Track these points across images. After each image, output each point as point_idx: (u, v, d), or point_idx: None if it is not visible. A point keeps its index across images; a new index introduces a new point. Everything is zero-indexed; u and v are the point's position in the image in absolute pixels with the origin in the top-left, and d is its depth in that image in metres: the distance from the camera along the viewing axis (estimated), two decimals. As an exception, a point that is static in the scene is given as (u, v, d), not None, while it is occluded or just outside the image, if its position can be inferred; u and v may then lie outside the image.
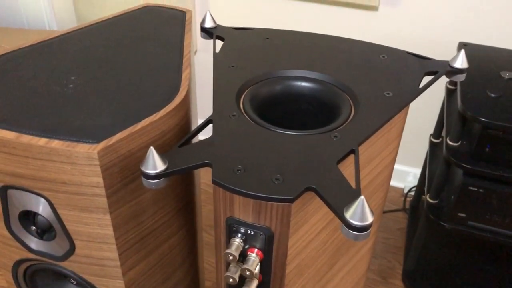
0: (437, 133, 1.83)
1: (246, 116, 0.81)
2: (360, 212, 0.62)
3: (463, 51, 0.95)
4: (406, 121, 1.92)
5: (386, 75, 0.91)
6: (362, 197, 0.63)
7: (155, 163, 0.70)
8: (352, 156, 0.77)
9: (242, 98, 0.86)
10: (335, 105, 0.88)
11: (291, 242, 0.73)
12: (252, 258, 0.73)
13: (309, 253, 0.81)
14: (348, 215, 0.63)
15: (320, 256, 0.85)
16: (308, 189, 0.68)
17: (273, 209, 0.69)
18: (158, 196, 0.84)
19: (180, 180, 0.89)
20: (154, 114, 0.77)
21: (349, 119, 0.82)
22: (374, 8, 1.77)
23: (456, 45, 1.73)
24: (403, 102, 0.85)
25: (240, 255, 0.74)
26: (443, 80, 1.80)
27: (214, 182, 0.70)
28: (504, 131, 1.32)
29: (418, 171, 2.09)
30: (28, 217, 0.83)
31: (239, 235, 0.73)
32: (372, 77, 0.91)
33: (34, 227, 0.82)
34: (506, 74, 1.47)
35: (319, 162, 0.72)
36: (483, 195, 1.47)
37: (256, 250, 0.74)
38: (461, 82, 1.42)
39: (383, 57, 0.97)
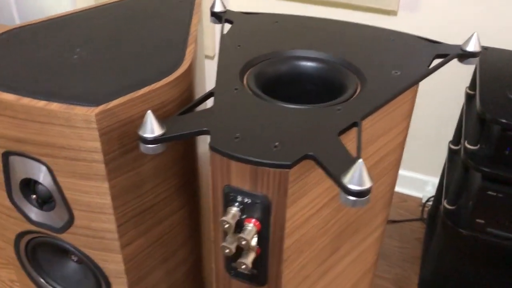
0: (456, 140, 1.79)
1: (249, 91, 0.80)
2: (358, 176, 0.61)
3: (475, 34, 0.92)
4: (425, 129, 1.89)
5: (394, 56, 0.90)
6: (360, 160, 0.61)
7: (152, 127, 0.69)
8: (354, 131, 0.75)
9: (246, 75, 0.86)
10: (341, 84, 0.86)
11: (289, 214, 0.71)
12: (248, 227, 0.71)
13: (310, 230, 0.79)
14: (346, 179, 0.61)
15: (322, 236, 0.83)
16: (306, 156, 0.67)
17: (270, 176, 0.68)
18: (158, 169, 0.84)
19: (181, 155, 0.88)
20: (156, 83, 0.77)
21: (355, 95, 0.81)
22: (393, 13, 1.76)
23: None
24: (411, 81, 0.83)
25: (237, 226, 0.73)
26: (463, 86, 1.78)
27: (211, 148, 0.69)
28: (524, 134, 1.28)
29: (437, 181, 2.04)
30: (28, 187, 0.83)
31: (236, 204, 0.72)
32: (380, 57, 0.89)
33: (34, 196, 0.82)
34: (528, 77, 1.44)
35: (320, 132, 0.71)
36: (502, 200, 1.43)
37: (253, 220, 0.72)
38: (480, 85, 1.39)
39: (393, 40, 0.96)
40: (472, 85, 1.64)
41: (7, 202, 0.85)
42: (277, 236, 0.73)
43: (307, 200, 0.74)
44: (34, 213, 0.85)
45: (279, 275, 0.77)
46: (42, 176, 0.79)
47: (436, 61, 0.89)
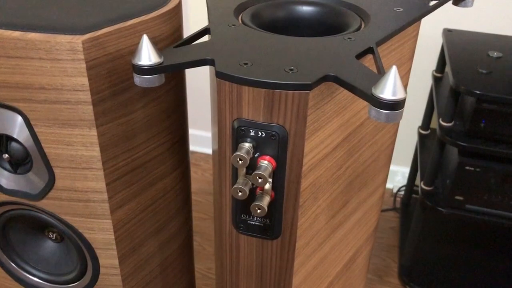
0: (425, 125, 1.80)
1: (248, 27, 0.73)
2: (392, 84, 0.54)
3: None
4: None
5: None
6: (394, 67, 0.54)
7: (149, 54, 0.60)
8: (368, 60, 0.70)
9: (240, 16, 0.79)
10: (343, 24, 0.81)
11: (307, 147, 0.64)
12: (264, 164, 0.63)
13: (324, 173, 0.71)
14: (378, 90, 0.55)
15: (334, 183, 0.76)
16: (327, 77, 0.60)
17: (288, 100, 0.60)
18: (150, 119, 0.74)
19: (173, 108, 0.79)
20: (146, 15, 0.68)
21: (361, 29, 0.75)
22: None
23: (440, 32, 1.73)
24: (415, 15, 0.79)
25: (248, 167, 0.65)
26: (425, 77, 1.80)
27: (218, 74, 0.61)
28: (498, 104, 1.30)
29: (406, 170, 2.06)
30: (-1, 146, 0.72)
31: (248, 140, 0.64)
32: (379, -3, 0.85)
33: (6, 155, 0.71)
34: (494, 54, 1.49)
35: (337, 56, 0.64)
36: (480, 175, 1.44)
37: (268, 157, 0.64)
38: (451, 63, 1.40)
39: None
40: (439, 68, 1.66)
41: (-29, 169, 0.74)
42: (294, 175, 0.65)
43: (324, 135, 0.67)
44: (6, 179, 0.73)
45: (295, 223, 0.69)
46: (17, 129, 0.68)
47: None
